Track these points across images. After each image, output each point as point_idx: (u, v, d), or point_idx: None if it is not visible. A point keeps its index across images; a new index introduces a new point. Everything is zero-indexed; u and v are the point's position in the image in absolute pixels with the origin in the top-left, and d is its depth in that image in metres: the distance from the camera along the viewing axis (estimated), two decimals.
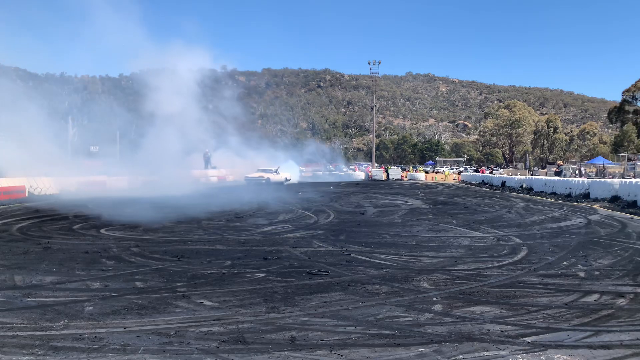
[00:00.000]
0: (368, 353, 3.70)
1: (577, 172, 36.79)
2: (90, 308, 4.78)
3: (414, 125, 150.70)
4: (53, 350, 3.65)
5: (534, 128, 71.65)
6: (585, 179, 23.91)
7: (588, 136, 73.49)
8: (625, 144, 58.20)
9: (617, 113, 65.66)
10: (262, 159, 39.28)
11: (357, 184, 39.02)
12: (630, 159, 38.24)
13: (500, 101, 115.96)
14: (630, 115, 62.99)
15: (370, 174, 50.76)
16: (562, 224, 12.54)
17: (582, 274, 6.64)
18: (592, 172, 39.00)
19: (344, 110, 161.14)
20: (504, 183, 33.72)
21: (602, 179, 23.70)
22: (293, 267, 6.92)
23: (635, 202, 16.76)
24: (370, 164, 66.47)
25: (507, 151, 76.16)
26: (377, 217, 13.97)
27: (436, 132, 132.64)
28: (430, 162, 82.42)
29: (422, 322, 4.49)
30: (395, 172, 51.78)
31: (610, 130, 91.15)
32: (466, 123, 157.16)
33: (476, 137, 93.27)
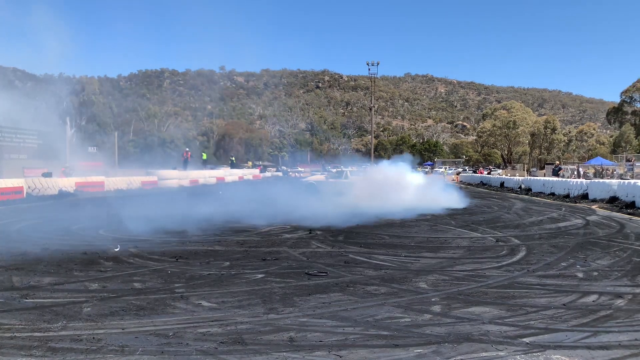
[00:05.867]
0: (367, 354, 3.70)
1: (575, 172, 36.85)
2: (89, 309, 4.77)
3: (412, 126, 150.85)
4: (51, 352, 3.64)
5: (532, 129, 71.75)
6: (584, 180, 23.96)
7: (586, 137, 73.63)
8: (624, 144, 58.35)
9: (616, 114, 65.88)
10: None
11: None
12: (628, 160, 38.30)
13: (499, 102, 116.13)
14: (629, 116, 63.21)
15: None
16: (561, 224, 12.55)
17: (580, 275, 6.64)
18: (589, 172, 39.06)
19: (342, 111, 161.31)
20: (502, 184, 33.77)
21: (601, 180, 23.74)
22: (291, 268, 6.91)
23: (633, 202, 16.79)
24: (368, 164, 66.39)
25: (506, 152, 76.26)
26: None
27: (435, 133, 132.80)
28: (429, 162, 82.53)
29: (421, 322, 4.49)
30: None
31: (608, 131, 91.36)
32: (465, 124, 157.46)
33: (474, 137, 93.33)
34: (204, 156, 47.49)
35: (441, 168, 68.62)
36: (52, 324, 4.27)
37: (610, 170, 38.01)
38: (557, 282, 6.18)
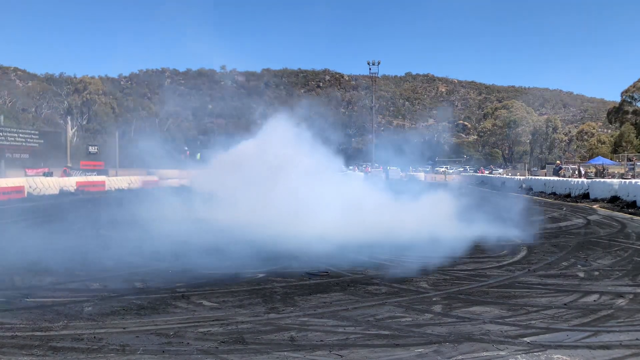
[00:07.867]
0: (367, 353, 3.70)
1: (576, 172, 36.79)
2: (90, 308, 4.78)
3: (413, 126, 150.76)
4: (52, 351, 3.64)
5: (533, 128, 71.71)
6: (585, 179, 23.94)
7: (587, 136, 73.52)
8: (624, 144, 58.24)
9: (616, 113, 65.78)
10: None
11: None
12: (629, 159, 38.23)
13: (500, 101, 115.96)
14: (630, 116, 63.10)
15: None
16: (562, 224, 12.54)
17: (581, 274, 6.64)
18: (591, 172, 38.99)
19: (343, 110, 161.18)
20: (503, 183, 33.75)
21: (602, 179, 23.71)
22: (292, 267, 6.91)
23: (634, 202, 16.77)
24: (369, 163, 66.38)
25: (507, 151, 76.20)
26: None
27: (435, 133, 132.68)
28: (430, 162, 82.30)
29: (422, 322, 4.48)
30: (394, 172, 51.66)
31: (609, 131, 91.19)
32: (465, 123, 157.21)
33: (475, 137, 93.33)
34: (198, 157, 47.65)
35: (442, 168, 68.52)
36: (53, 324, 4.27)
37: (611, 169, 38.01)
38: (558, 282, 6.18)
